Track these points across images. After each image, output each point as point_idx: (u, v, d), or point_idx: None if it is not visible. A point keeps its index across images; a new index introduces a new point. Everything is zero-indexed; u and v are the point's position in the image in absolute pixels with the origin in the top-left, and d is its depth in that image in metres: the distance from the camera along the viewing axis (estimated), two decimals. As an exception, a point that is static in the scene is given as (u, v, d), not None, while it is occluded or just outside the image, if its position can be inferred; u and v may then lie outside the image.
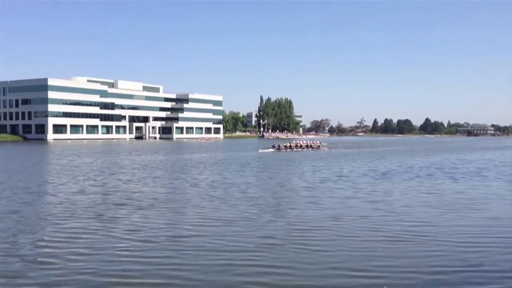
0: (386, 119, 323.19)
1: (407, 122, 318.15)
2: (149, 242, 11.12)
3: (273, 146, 63.32)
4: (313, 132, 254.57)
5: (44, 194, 19.22)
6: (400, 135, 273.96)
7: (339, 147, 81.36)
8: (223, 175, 27.21)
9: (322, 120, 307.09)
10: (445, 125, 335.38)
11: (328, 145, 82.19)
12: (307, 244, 11.07)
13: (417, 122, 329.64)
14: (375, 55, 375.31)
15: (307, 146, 67.44)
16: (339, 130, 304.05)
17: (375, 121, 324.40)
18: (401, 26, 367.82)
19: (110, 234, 11.89)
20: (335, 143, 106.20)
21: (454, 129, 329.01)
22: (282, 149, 62.85)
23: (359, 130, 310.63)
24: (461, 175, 28.41)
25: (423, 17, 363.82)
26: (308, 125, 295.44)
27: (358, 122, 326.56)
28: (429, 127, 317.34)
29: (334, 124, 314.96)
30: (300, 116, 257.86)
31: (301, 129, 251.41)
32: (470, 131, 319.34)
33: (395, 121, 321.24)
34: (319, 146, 69.99)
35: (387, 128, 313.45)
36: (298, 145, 66.44)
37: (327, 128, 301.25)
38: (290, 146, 64.72)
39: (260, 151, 58.65)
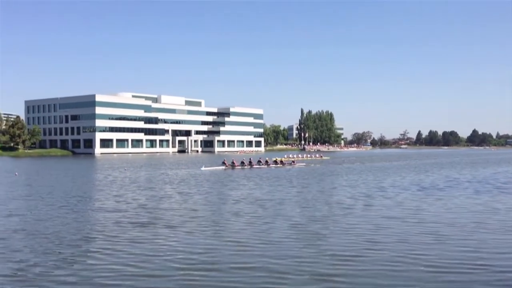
0: (430, 131, 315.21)
1: (453, 133, 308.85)
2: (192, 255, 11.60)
3: (224, 163, 52.36)
4: (355, 145, 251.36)
5: (91, 206, 20.19)
6: (445, 147, 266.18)
7: (335, 162, 68.60)
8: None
9: (364, 132, 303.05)
10: (494, 136, 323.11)
11: (330, 159, 79.05)
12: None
13: (464, 134, 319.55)
14: (419, 66, 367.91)
15: (275, 162, 57.64)
16: (382, 143, 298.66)
17: (419, 133, 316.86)
18: (444, 37, 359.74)
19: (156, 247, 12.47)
20: (347, 156, 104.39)
21: (503, 140, 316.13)
22: (236, 166, 52.04)
23: (403, 142, 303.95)
24: None
25: (467, 28, 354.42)
26: (349, 138, 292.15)
27: (401, 134, 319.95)
28: (477, 139, 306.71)
29: (376, 136, 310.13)
30: (341, 129, 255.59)
31: (342, 142, 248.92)
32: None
33: (440, 133, 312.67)
34: (293, 162, 61.01)
35: (431, 140, 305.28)
36: (262, 161, 56.11)
37: (369, 141, 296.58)
38: (250, 162, 54.06)
39: (203, 168, 48.52)
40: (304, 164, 61.01)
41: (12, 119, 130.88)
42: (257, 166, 53.91)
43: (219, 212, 18.49)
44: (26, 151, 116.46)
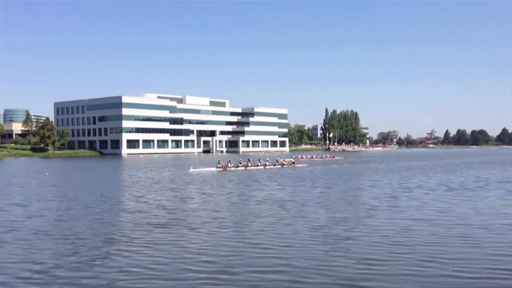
0: (459, 129, 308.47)
1: (482, 132, 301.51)
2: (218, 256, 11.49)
3: (218, 164, 49.32)
4: (381, 144, 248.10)
5: (119, 204, 20.36)
6: (474, 146, 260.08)
7: (347, 162, 71.14)
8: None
9: (389, 131, 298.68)
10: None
11: (344, 159, 75.71)
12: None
13: (494, 132, 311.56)
14: (446, 64, 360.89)
15: (277, 162, 54.76)
16: (408, 142, 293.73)
17: (447, 132, 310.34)
18: (472, 34, 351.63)
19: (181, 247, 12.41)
20: (366, 157, 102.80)
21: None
22: (230, 167, 49.09)
23: (430, 142, 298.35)
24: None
25: (495, 24, 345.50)
26: (375, 137, 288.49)
27: (428, 134, 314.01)
28: (507, 138, 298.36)
29: (402, 136, 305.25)
30: (366, 128, 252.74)
31: (367, 141, 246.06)
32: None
33: (468, 131, 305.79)
34: (293, 163, 57.12)
35: (460, 139, 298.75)
36: (262, 163, 52.74)
37: (395, 140, 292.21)
38: (248, 162, 51.51)
39: (191, 170, 44.55)
40: (306, 165, 58.10)
41: (42, 121, 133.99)
42: (255, 167, 51.03)
43: (240, 213, 18.36)
44: (55, 152, 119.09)
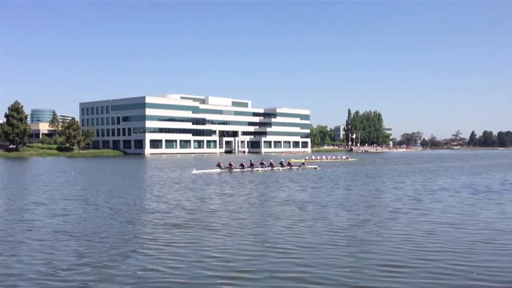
0: (485, 131, 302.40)
1: (509, 134, 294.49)
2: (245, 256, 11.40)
3: (218, 165, 47.25)
4: (404, 146, 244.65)
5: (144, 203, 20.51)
6: (501, 148, 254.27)
7: (361, 164, 68.91)
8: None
9: (413, 133, 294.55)
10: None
11: (358, 160, 73.38)
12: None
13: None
14: (471, 65, 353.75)
15: (281, 164, 51.11)
16: (433, 143, 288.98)
17: (473, 134, 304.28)
18: (499, 34, 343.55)
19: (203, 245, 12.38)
20: (388, 158, 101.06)
21: None
22: (235, 168, 47.30)
23: (455, 143, 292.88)
24: None
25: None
26: (398, 138, 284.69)
27: (453, 135, 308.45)
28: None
29: (426, 137, 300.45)
30: (390, 129, 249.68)
31: (391, 143, 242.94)
32: None
33: (495, 133, 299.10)
34: (303, 164, 54.16)
35: (486, 140, 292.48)
36: (265, 163, 50.07)
37: (419, 141, 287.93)
38: (252, 164, 48.68)
39: (194, 172, 43.25)
40: (315, 166, 54.70)
41: (68, 121, 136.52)
42: (259, 168, 48.19)
43: (259, 215, 18.23)
44: (80, 151, 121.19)
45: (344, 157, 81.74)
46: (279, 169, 49.00)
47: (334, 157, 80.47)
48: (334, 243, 13.03)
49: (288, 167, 50.59)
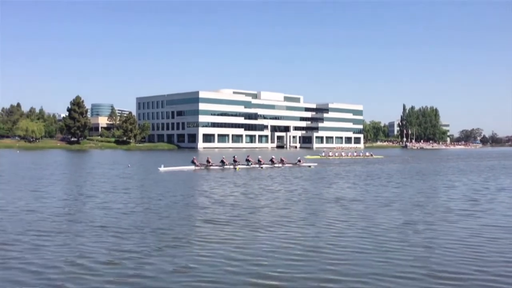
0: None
1: None
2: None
3: (193, 162, 42.30)
4: (463, 142, 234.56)
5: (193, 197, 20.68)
6: None
7: (384, 162, 64.56)
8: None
9: (473, 129, 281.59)
10: None
11: (385, 158, 69.91)
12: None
13: None
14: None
15: (272, 161, 46.47)
16: (493, 140, 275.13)
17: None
18: None
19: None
20: (439, 156, 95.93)
21: None
22: (212, 165, 42.62)
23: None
24: None
25: None
26: (456, 135, 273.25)
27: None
28: None
29: (487, 133, 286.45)
30: (447, 125, 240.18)
31: (448, 139, 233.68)
32: None
33: None
34: (299, 161, 48.91)
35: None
36: (252, 160, 44.99)
37: (478, 138, 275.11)
38: (234, 161, 43.62)
39: (161, 169, 38.74)
40: (316, 164, 50.30)
41: (125, 115, 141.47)
42: (245, 166, 43.62)
43: (305, 212, 17.84)
44: (136, 145, 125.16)
45: (367, 153, 78.67)
46: (261, 167, 44.31)
47: (356, 154, 77.78)
48: (379, 249, 12.40)
49: (281, 165, 46.31)
